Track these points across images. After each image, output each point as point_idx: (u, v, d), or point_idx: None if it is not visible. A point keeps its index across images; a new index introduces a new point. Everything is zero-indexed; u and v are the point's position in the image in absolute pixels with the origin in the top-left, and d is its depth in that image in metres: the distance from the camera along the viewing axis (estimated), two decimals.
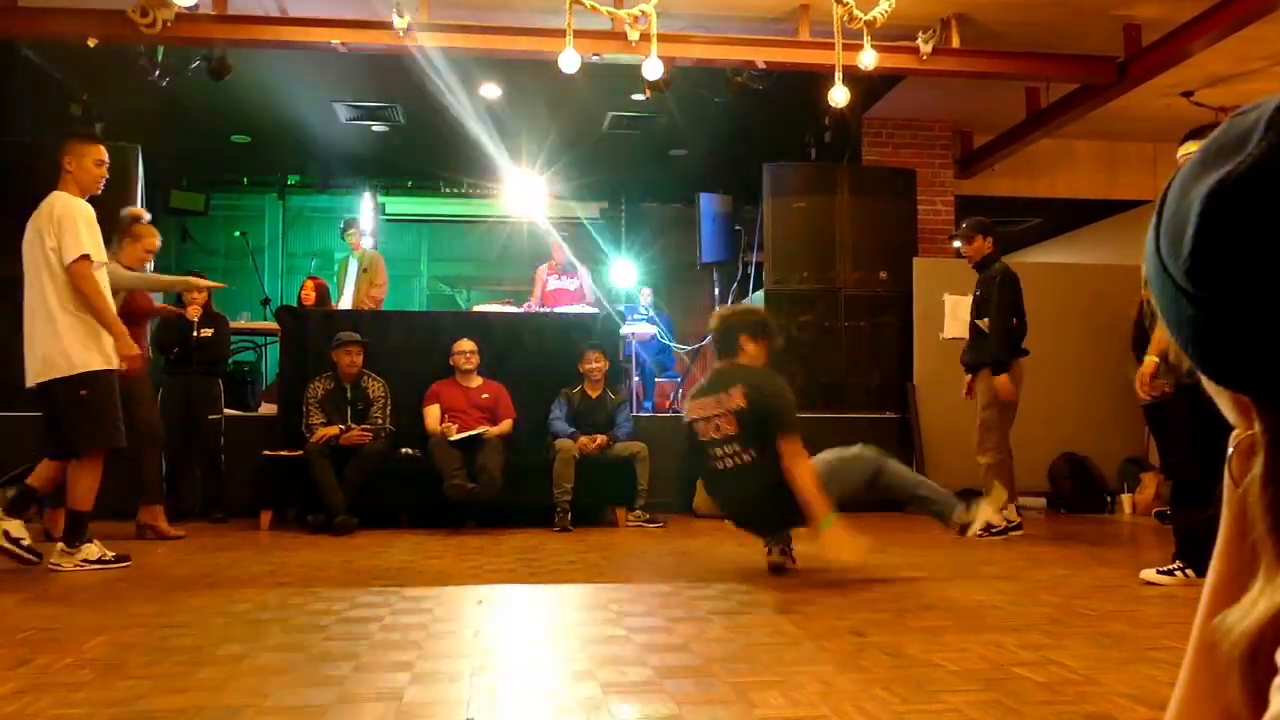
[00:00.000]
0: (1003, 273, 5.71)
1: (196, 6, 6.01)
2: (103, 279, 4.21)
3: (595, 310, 7.89)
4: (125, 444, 4.36)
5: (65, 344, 4.10)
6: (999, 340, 5.63)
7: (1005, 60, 6.99)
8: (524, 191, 10.76)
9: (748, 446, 3.88)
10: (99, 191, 4.36)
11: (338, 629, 2.90)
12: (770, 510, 3.96)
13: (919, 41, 6.62)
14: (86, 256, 4.09)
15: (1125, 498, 7.27)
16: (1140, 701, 2.11)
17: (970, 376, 5.94)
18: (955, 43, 6.72)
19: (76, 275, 4.08)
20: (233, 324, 7.01)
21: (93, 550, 4.20)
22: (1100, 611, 3.24)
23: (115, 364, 4.22)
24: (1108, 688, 2.23)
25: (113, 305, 4.28)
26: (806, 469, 3.77)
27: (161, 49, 6.81)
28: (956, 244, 6.02)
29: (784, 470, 3.77)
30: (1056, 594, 3.60)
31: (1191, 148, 4.14)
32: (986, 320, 5.71)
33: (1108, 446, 7.46)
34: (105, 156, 4.37)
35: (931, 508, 4.25)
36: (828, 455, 4.07)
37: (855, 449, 4.14)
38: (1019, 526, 5.57)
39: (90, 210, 4.20)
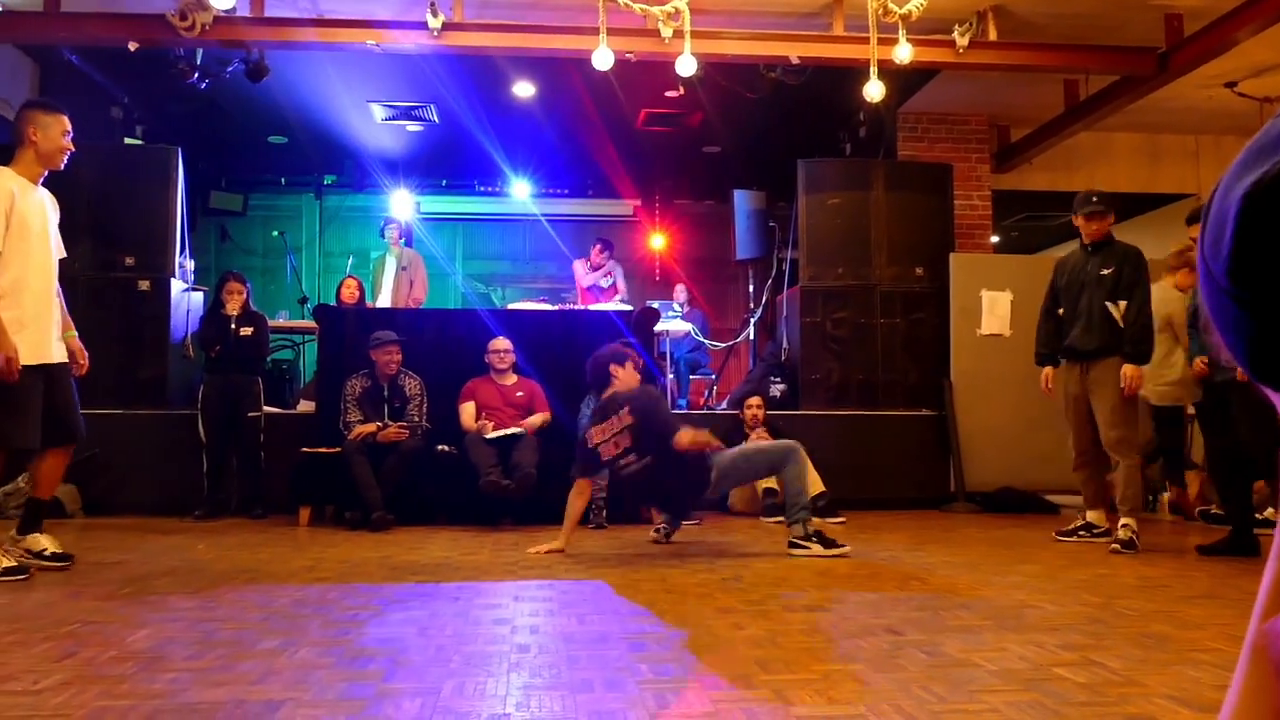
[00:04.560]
0: (1140, 253, 5.18)
1: (234, 9, 6.09)
2: (14, 262, 3.86)
3: (630, 307, 7.89)
4: (25, 448, 4.00)
5: None
6: (1148, 326, 5.07)
7: (1043, 53, 6.90)
8: (557, 189, 10.81)
9: (643, 454, 4.63)
10: (61, 166, 4.09)
11: (376, 624, 2.92)
12: (673, 495, 4.93)
13: (955, 34, 6.56)
14: None
15: (1166, 495, 7.16)
16: (1183, 704, 2.08)
17: (1072, 365, 5.28)
18: (992, 35, 6.65)
19: None
20: (271, 323, 7.08)
21: None
22: (1142, 611, 3.20)
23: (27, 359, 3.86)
24: (1150, 689, 2.20)
25: None
26: (687, 434, 4.59)
27: (200, 52, 6.90)
28: (1093, 206, 5.28)
29: (677, 452, 4.56)
30: (1097, 593, 3.55)
31: None
32: (1124, 304, 5.08)
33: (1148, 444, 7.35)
34: (70, 128, 4.09)
35: (795, 516, 4.71)
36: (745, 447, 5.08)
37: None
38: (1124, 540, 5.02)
39: (3, 188, 3.86)
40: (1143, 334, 5.06)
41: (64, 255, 4.26)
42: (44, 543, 4.15)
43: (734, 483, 5.16)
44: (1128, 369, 5.03)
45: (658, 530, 5.21)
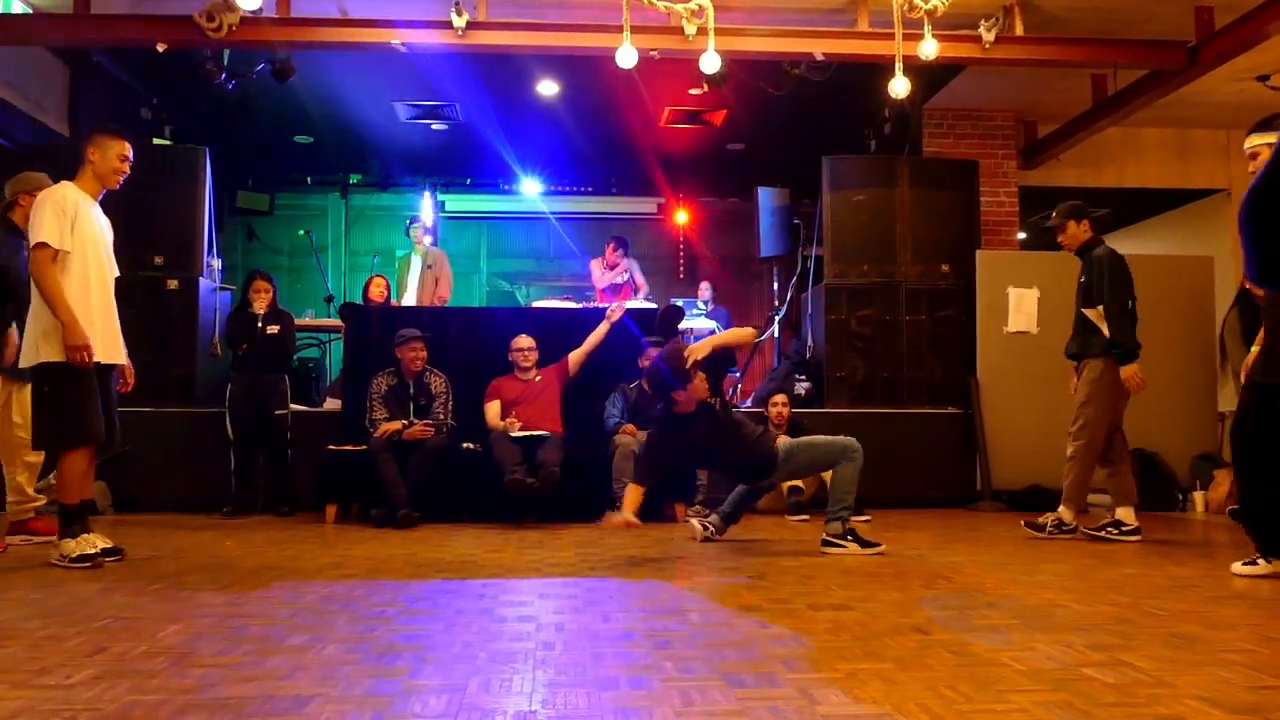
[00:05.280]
0: (1109, 254, 5.28)
1: (260, 10, 6.14)
2: (76, 266, 4.09)
3: (654, 305, 7.89)
4: (98, 440, 4.18)
5: (32, 334, 4.09)
6: (1119, 325, 5.15)
7: (1071, 47, 6.85)
8: (581, 187, 10.82)
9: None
10: (117, 186, 4.33)
11: (402, 621, 2.94)
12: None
13: (981, 30, 6.52)
14: (44, 244, 4.00)
15: (1198, 495, 7.08)
16: (1215, 705, 2.06)
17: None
18: (1019, 30, 6.60)
19: (32, 262, 4.04)
20: (297, 321, 7.13)
21: (70, 546, 4.05)
22: (1172, 611, 3.16)
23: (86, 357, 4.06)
24: (1180, 690, 2.18)
25: (61, 291, 4.01)
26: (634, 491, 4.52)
27: (227, 53, 6.95)
28: (1040, 229, 5.70)
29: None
30: (1126, 593, 3.52)
31: (1256, 140, 4.05)
32: (1100, 309, 5.23)
33: (1179, 442, 7.27)
34: (129, 153, 4.31)
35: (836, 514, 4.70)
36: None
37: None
38: (1075, 529, 5.32)
39: (69, 198, 4.10)
40: (1119, 332, 5.17)
41: (118, 275, 4.47)
42: (93, 540, 4.25)
43: (791, 470, 4.94)
44: (1122, 371, 5.18)
45: (705, 528, 5.10)
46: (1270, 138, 4.00)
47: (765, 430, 4.87)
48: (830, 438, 4.90)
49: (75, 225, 4.10)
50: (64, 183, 4.22)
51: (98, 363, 4.15)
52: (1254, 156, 4.11)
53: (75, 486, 4.16)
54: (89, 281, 4.17)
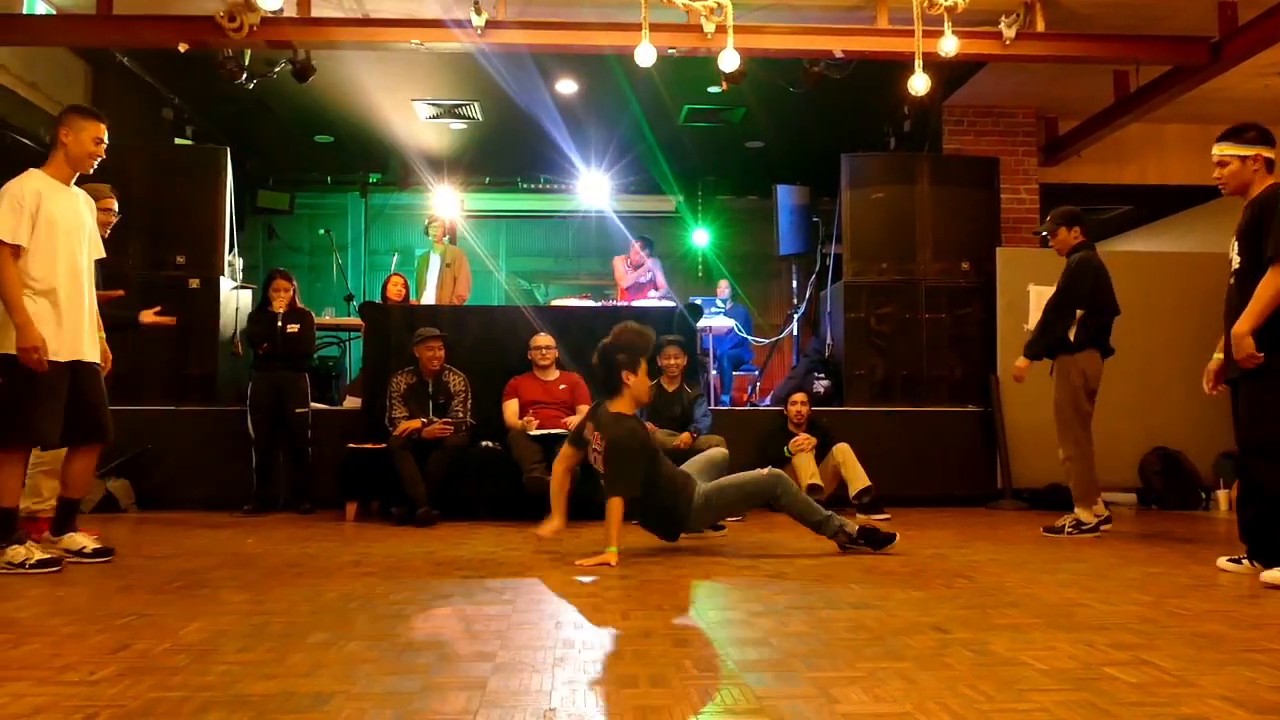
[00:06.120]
0: (1077, 261, 5.39)
1: (281, 10, 6.17)
2: (40, 261, 3.89)
3: (674, 304, 7.89)
4: (47, 444, 4.02)
5: None
6: (1047, 321, 5.44)
7: (1093, 43, 6.80)
8: (599, 186, 10.83)
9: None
10: (90, 170, 4.08)
11: (422, 619, 2.95)
12: (645, 518, 4.68)
13: (1002, 26, 6.48)
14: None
15: (1221, 494, 7.02)
16: (1239, 705, 2.04)
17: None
18: (1040, 26, 6.56)
19: None
20: (317, 320, 7.17)
21: (18, 553, 3.83)
22: (1195, 611, 3.14)
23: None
24: (1204, 690, 2.16)
25: (16, 290, 3.81)
26: (615, 505, 4.28)
27: (248, 53, 7.00)
28: (1042, 233, 5.80)
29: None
30: (1148, 592, 3.49)
31: (1226, 149, 4.02)
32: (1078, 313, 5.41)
33: (1202, 441, 7.21)
34: (104, 135, 4.07)
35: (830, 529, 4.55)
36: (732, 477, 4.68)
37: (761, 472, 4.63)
38: (1096, 528, 5.34)
39: (28, 189, 3.89)
40: (1042, 327, 5.47)
41: (102, 256, 4.27)
42: (81, 540, 4.14)
43: (715, 516, 4.79)
44: (1017, 361, 5.57)
45: None
46: (1238, 149, 4.05)
47: (689, 479, 4.61)
48: (746, 476, 4.66)
49: (39, 217, 3.88)
50: (29, 171, 3.98)
51: (61, 362, 3.94)
52: (1222, 165, 4.11)
53: (10, 490, 3.92)
54: (55, 276, 3.94)
